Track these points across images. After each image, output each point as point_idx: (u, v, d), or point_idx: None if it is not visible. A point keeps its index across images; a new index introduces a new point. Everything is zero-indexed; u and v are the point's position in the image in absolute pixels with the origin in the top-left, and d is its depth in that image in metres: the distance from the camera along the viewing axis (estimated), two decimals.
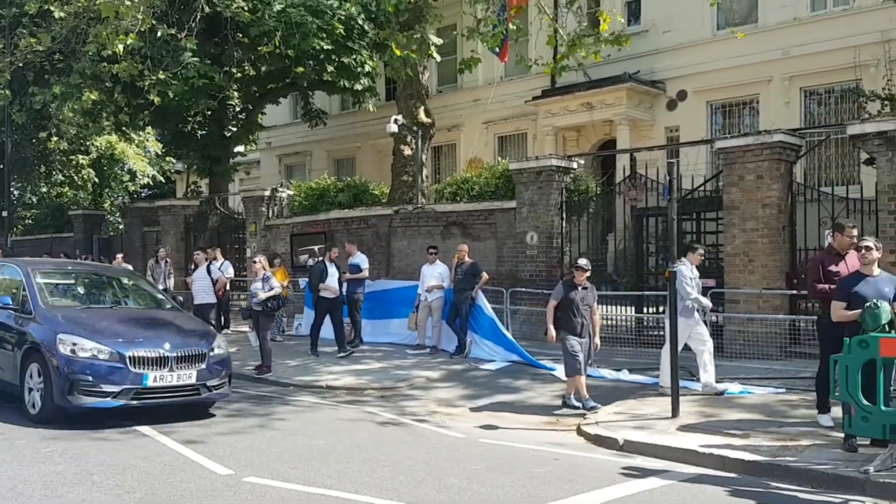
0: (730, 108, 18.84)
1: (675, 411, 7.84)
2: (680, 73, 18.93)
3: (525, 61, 12.46)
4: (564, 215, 14.04)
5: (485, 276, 12.29)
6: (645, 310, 12.95)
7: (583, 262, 9.04)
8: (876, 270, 6.65)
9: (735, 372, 9.92)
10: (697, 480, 6.02)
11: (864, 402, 5.91)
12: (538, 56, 12.67)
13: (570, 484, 5.83)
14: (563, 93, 19.92)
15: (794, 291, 10.93)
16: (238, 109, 22.99)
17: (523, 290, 13.41)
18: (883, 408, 5.90)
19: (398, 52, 10.94)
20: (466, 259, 12.46)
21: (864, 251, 6.66)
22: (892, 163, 9.98)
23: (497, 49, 13.28)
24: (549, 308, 8.90)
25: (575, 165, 14.33)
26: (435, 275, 12.78)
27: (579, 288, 8.82)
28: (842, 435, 6.46)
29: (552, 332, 8.72)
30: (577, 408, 8.60)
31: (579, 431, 7.71)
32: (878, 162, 10.22)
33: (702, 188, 12.79)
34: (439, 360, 12.04)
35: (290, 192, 18.98)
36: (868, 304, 6.26)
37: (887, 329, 6.19)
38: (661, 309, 12.18)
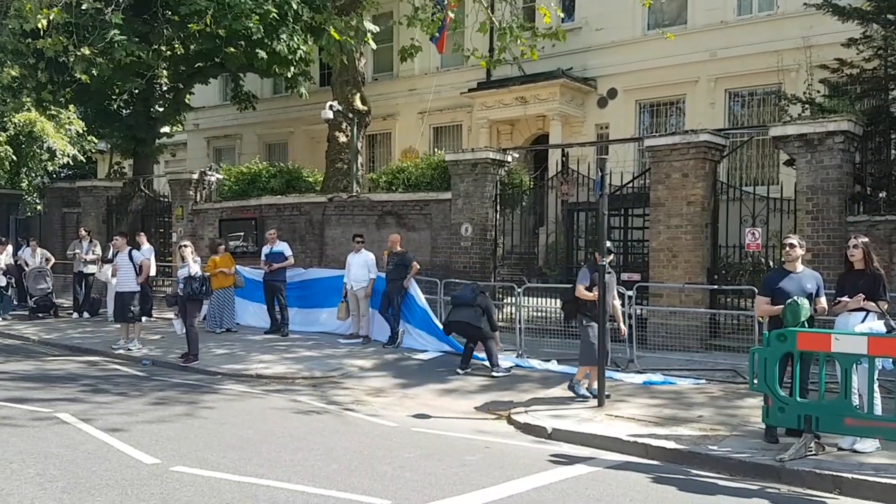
0: (658, 108, 19.32)
1: (601, 400, 8.06)
2: (611, 71, 19.29)
3: (462, 51, 12.51)
4: (498, 208, 14.20)
5: (416, 265, 12.32)
6: None
7: (609, 243, 8.63)
8: (799, 267, 6.96)
9: (657, 363, 10.26)
10: (622, 467, 6.22)
11: (781, 393, 6.21)
12: (475, 48, 12.71)
13: (500, 471, 5.93)
14: (498, 86, 20.05)
15: (715, 286, 11.37)
16: (165, 89, 22.28)
17: (457, 280, 13.47)
18: (798, 399, 6.21)
19: (337, 37, 10.82)
20: (398, 248, 12.46)
21: (787, 248, 6.96)
22: (811, 164, 10.48)
23: (436, 36, 13.28)
24: (582, 292, 8.51)
25: (509, 159, 14.49)
26: (362, 264, 12.73)
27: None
28: (762, 425, 6.75)
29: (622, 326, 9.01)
30: (586, 397, 8.43)
31: (509, 420, 7.84)
32: (797, 163, 10.71)
33: (630, 185, 13.13)
34: (371, 350, 12.02)
35: (220, 176, 18.53)
36: (790, 300, 6.55)
37: (806, 325, 6.52)
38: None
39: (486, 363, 10.19)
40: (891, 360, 6.11)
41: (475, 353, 10.38)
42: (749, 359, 6.39)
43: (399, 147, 22.95)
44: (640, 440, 6.75)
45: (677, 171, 11.65)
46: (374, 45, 12.62)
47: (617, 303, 9.08)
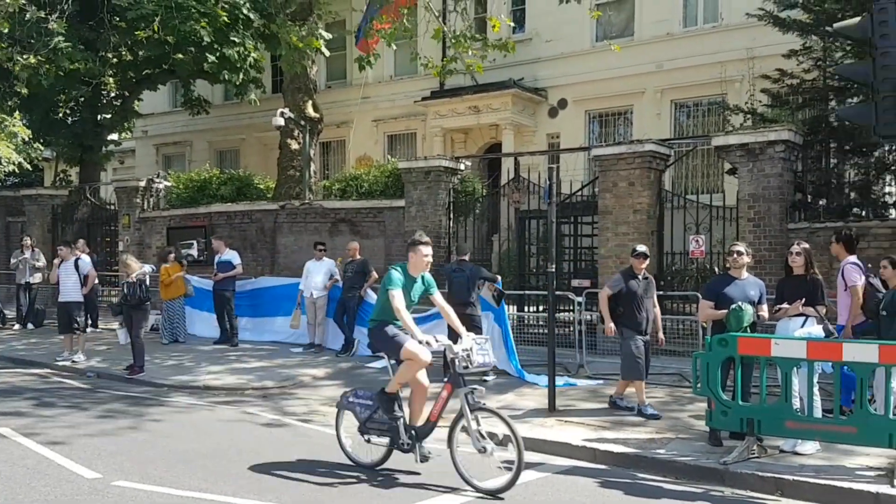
0: (607, 118, 19.66)
1: (551, 405, 8.13)
2: (561, 81, 19.57)
3: (418, 60, 12.57)
4: (452, 215, 14.26)
5: (374, 274, 12.28)
6: (526, 308, 13.35)
7: (642, 247, 8.24)
8: (744, 274, 7.13)
9: (607, 368, 10.39)
10: (570, 472, 6.29)
11: (724, 397, 6.35)
12: (429, 58, 12.80)
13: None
14: (451, 95, 20.17)
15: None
16: (113, 95, 21.82)
17: None
18: (741, 403, 6.36)
19: (299, 45, 10.77)
20: (357, 257, 12.41)
21: (735, 256, 7.14)
22: (752, 173, 10.77)
23: (358, 36, 13.36)
24: (603, 299, 8.04)
25: (462, 167, 14.58)
26: (324, 271, 12.66)
27: (640, 278, 8.02)
28: (707, 429, 6.89)
29: (611, 325, 7.96)
30: (631, 409, 8.01)
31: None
32: (739, 172, 10.99)
33: (579, 193, 13.33)
34: (325, 359, 11.93)
35: (168, 184, 18.22)
36: (733, 306, 6.72)
37: (749, 330, 6.68)
38: (541, 308, 12.61)
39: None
40: (829, 363, 6.29)
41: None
42: (692, 363, 6.51)
43: (353, 154, 22.89)
44: (588, 444, 6.84)
45: (624, 180, 11.86)
46: (327, 53, 12.61)
47: (657, 310, 8.43)
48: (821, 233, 10.47)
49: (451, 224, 14.27)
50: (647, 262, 8.15)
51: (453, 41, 11.56)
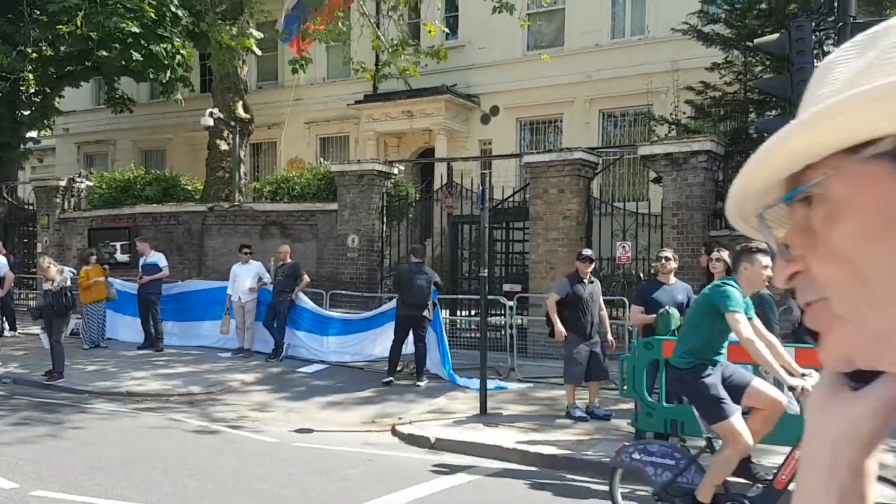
0: (538, 125, 19.99)
1: (483, 409, 8.23)
2: (493, 89, 19.81)
3: (351, 64, 12.53)
4: (385, 219, 14.25)
5: (306, 278, 12.14)
6: (459, 312, 13.46)
7: (588, 251, 8.28)
8: (672, 279, 7.38)
9: (537, 371, 10.58)
10: (502, 475, 6.38)
11: (649, 399, 6.55)
12: (362, 62, 12.78)
13: (382, 484, 5.95)
14: (385, 99, 20.15)
15: None
16: (33, 91, 20.96)
17: (343, 292, 13.44)
18: (665, 404, 6.58)
19: (230, 44, 10.58)
20: (288, 260, 12.25)
21: (663, 261, 7.38)
22: (676, 182, 11.15)
23: (288, 38, 13.25)
24: (551, 304, 7.98)
25: (396, 171, 14.60)
26: (251, 275, 12.45)
27: (585, 282, 8.02)
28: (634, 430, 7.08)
29: (561, 329, 7.85)
30: (584, 419, 7.91)
31: (394, 432, 7.87)
32: (664, 181, 11.36)
33: (511, 199, 13.53)
34: (254, 364, 11.73)
35: (90, 183, 17.60)
36: (662, 310, 6.94)
37: (677, 333, 6.91)
38: (473, 312, 12.73)
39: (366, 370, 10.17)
40: (750, 366, 6.55)
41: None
42: (619, 366, 6.70)
43: (285, 157, 22.59)
44: (519, 447, 6.95)
45: (554, 187, 12.11)
46: (258, 52, 12.45)
47: (604, 313, 8.46)
48: (740, 240, 10.81)
49: (385, 228, 14.26)
50: (593, 265, 8.21)
51: (391, 50, 11.60)
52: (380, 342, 11.16)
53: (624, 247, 11.83)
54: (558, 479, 6.26)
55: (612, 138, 18.82)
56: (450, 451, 7.13)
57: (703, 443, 6.65)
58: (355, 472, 6.32)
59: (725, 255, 7.20)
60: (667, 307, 6.94)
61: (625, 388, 6.63)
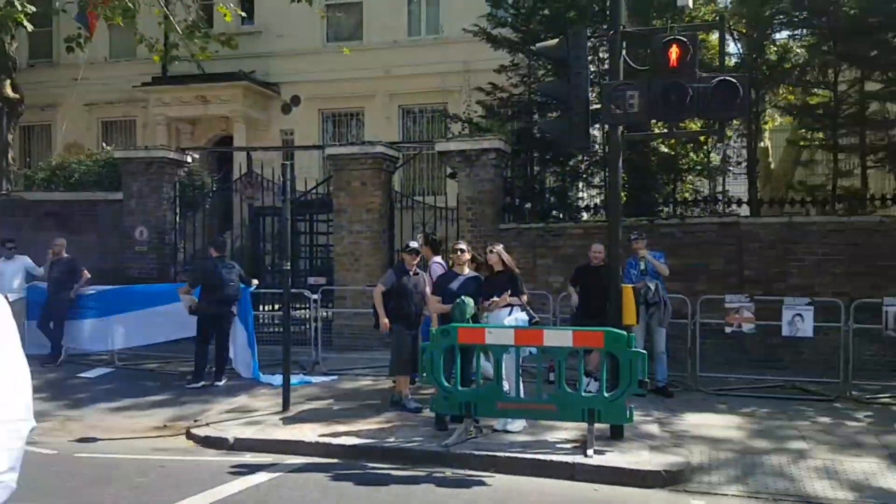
0: (340, 118, 19.94)
1: (285, 405, 8.13)
2: (293, 78, 19.46)
3: (144, 42, 11.70)
4: (178, 210, 13.56)
5: (86, 274, 11.21)
6: (261, 307, 13.10)
7: (414, 243, 8.30)
8: (466, 270, 7.74)
9: (343, 364, 10.63)
10: (304, 469, 6.37)
11: (446, 383, 6.86)
12: (155, 40, 11.98)
13: (176, 489, 5.71)
14: (177, 83, 19.08)
15: None
16: None
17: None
18: (460, 388, 6.92)
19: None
20: (64, 255, 11.24)
21: (458, 253, 7.71)
22: (470, 177, 11.68)
23: (81, 15, 12.27)
24: (377, 295, 8.01)
25: (189, 159, 13.94)
26: (18, 272, 11.29)
27: (411, 273, 8.07)
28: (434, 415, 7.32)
29: (385, 321, 7.90)
30: (418, 409, 7.88)
31: (188, 435, 7.55)
32: (459, 176, 11.85)
33: (314, 191, 13.43)
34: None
35: None
36: (458, 300, 7.27)
37: (471, 321, 7.27)
38: (276, 306, 12.48)
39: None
40: (535, 347, 7.06)
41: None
42: (419, 354, 6.95)
43: (62, 141, 20.64)
44: (321, 440, 6.97)
45: (357, 180, 12.21)
46: (29, 27, 11.29)
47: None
48: (527, 233, 11.67)
49: (178, 220, 13.56)
50: (419, 257, 8.30)
51: (185, 34, 11.01)
52: (171, 325, 10.37)
53: (417, 238, 12.17)
54: (360, 469, 6.37)
55: (412, 134, 19.23)
56: (250, 451, 6.98)
57: (493, 422, 7.15)
58: (145, 479, 6.01)
59: (498, 248, 7.68)
60: (462, 297, 7.28)
61: (424, 374, 6.89)
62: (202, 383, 9.55)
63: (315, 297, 10.80)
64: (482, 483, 5.99)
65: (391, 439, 6.96)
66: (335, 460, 6.66)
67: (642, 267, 9.00)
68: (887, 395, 8.74)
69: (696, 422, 7.71)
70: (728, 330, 9.25)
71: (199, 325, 9.70)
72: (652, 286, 8.93)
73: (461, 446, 6.64)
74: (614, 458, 6.32)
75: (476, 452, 6.49)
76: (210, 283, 9.59)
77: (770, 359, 10.50)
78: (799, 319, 8.78)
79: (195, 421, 7.94)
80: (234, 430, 7.43)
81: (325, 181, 13.43)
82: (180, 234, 13.63)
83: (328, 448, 6.85)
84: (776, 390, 9.13)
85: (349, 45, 14.56)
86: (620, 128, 7.20)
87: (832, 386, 8.91)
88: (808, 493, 5.69)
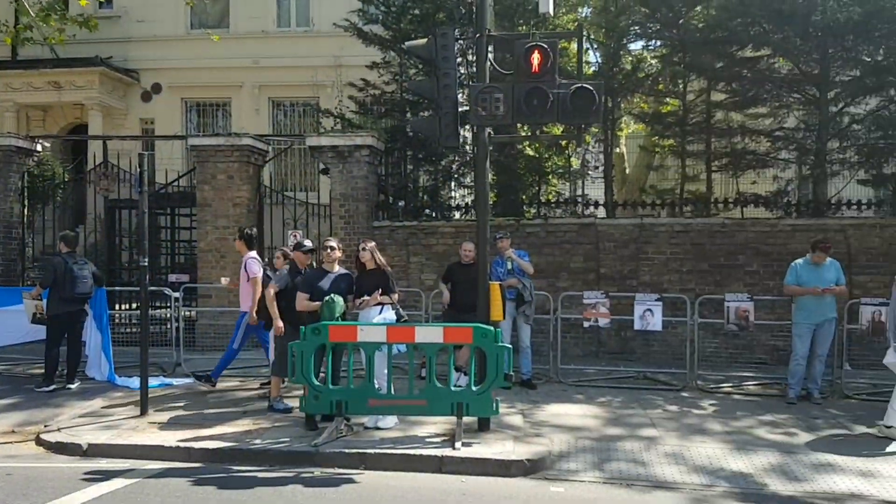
0: (205, 108, 19.26)
1: (143, 409, 7.78)
2: (155, 65, 18.60)
3: None
4: (27, 202, 12.67)
5: None
6: (117, 306, 12.42)
7: (308, 243, 8.00)
8: (336, 267, 7.66)
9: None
10: (164, 475, 6.12)
11: (316, 382, 6.80)
12: (4, 20, 11.11)
13: (24, 499, 5.36)
14: (26, 67, 17.81)
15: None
16: None
17: None
18: (331, 386, 6.88)
19: None
20: None
21: (328, 250, 7.62)
22: (343, 174, 11.62)
23: None
24: (270, 296, 7.61)
25: (40, 147, 13.05)
26: None
27: (331, 274, 7.57)
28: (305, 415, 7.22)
29: (280, 324, 7.53)
30: (288, 410, 7.75)
31: (38, 441, 7.08)
32: (331, 172, 11.76)
33: (176, 183, 12.91)
34: None
35: None
36: (327, 298, 7.20)
37: (341, 319, 7.23)
38: (134, 305, 11.90)
39: None
40: (404, 345, 7.13)
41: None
42: (288, 352, 6.84)
43: None
44: (182, 444, 6.72)
45: (223, 173, 11.85)
46: None
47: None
48: (400, 230, 11.77)
49: (26, 212, 12.65)
50: (313, 256, 8.11)
51: (40, 17, 10.26)
52: (21, 326, 9.70)
53: (295, 235, 12.00)
54: (224, 472, 6.19)
55: (283, 127, 18.88)
56: (106, 457, 6.64)
57: (364, 419, 7.17)
58: None
59: (371, 245, 7.69)
60: (332, 295, 7.23)
61: (293, 373, 6.79)
62: (53, 387, 9.00)
63: (176, 295, 10.38)
64: (350, 481, 5.99)
65: (258, 441, 6.81)
66: (198, 464, 6.44)
67: (509, 266, 9.29)
68: (729, 384, 9.50)
69: (556, 412, 8.08)
70: (586, 324, 9.73)
71: (50, 326, 9.12)
72: (527, 283, 9.26)
73: (331, 445, 6.61)
74: (481, 449, 6.51)
75: (346, 450, 6.48)
76: (60, 281, 9.00)
77: (624, 351, 11.18)
78: (649, 314, 9.36)
79: (45, 426, 7.46)
80: (87, 436, 7.03)
81: (188, 173, 12.94)
82: (28, 228, 12.71)
83: (190, 452, 6.62)
84: (629, 381, 9.72)
85: (216, 34, 14.04)
86: (488, 129, 7.40)
87: (680, 376, 9.58)
88: (660, 478, 6.09)
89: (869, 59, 11.85)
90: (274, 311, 7.64)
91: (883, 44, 11.64)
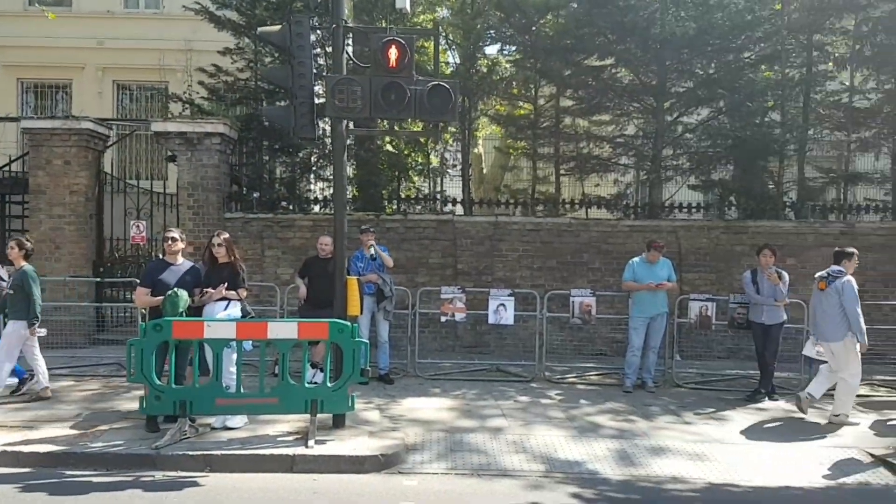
0: (44, 89, 17.95)
1: None
2: None
3: None
4: None
5: None
6: None
7: (175, 232, 7.38)
8: (180, 259, 7.28)
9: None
10: None
11: (158, 382, 6.45)
12: None
13: None
14: None
15: (99, 279, 11.14)
16: None
17: None
18: (174, 386, 6.55)
19: None
20: None
21: (169, 242, 7.23)
22: (191, 162, 11.14)
23: None
24: (139, 295, 7.16)
25: None
26: None
27: (174, 266, 7.20)
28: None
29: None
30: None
31: None
32: (179, 160, 11.24)
33: (7, 169, 11.91)
34: None
35: None
36: (169, 292, 6.84)
37: (185, 314, 6.89)
38: None
39: None
40: (251, 341, 6.91)
41: None
42: (126, 351, 6.45)
43: None
44: (9, 448, 6.19)
45: (59, 158, 11.06)
46: None
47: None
48: (254, 223, 11.45)
49: None
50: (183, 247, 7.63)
51: None
52: None
53: (139, 226, 11.39)
54: (56, 477, 5.78)
55: (129, 111, 17.85)
56: None
57: (211, 419, 6.91)
58: None
59: (225, 237, 7.40)
60: (175, 289, 6.89)
61: (132, 373, 6.42)
62: None
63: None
64: (195, 484, 5.76)
65: (95, 444, 6.39)
66: (27, 469, 5.96)
67: (371, 253, 9.22)
68: (573, 375, 9.99)
69: (412, 406, 8.17)
70: (443, 319, 9.91)
71: None
72: (387, 279, 9.27)
73: (174, 447, 6.31)
74: (335, 446, 6.45)
75: (190, 452, 6.21)
76: None
77: (479, 345, 11.48)
78: (503, 309, 9.66)
79: None
80: None
81: (19, 158, 11.93)
82: None
83: (18, 457, 6.11)
84: (483, 373, 9.99)
85: (57, 12, 13.01)
86: (345, 122, 7.33)
87: (530, 368, 9.97)
88: (506, 467, 6.30)
89: (701, 72, 12.83)
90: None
91: (714, 58, 12.66)
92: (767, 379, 9.03)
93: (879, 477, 6.32)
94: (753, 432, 7.57)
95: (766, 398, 8.90)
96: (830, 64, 13.02)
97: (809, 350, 8.33)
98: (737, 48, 12.57)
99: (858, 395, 8.95)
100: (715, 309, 9.55)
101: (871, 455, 6.79)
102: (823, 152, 14.19)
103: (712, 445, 7.04)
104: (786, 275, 9.03)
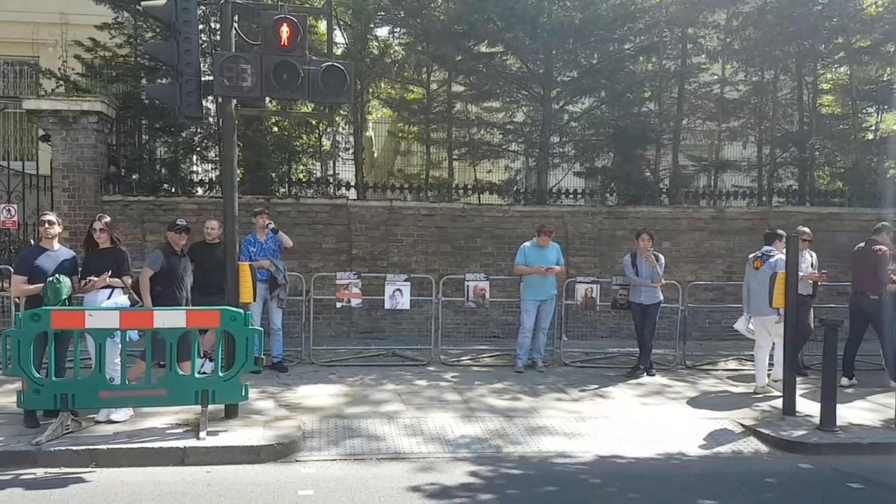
0: None
1: None
2: None
3: None
4: None
5: None
6: None
7: (182, 221, 7.81)
8: (56, 245, 6.87)
9: None
10: None
11: (37, 374, 6.09)
12: None
13: None
14: None
15: None
16: None
17: None
18: (55, 379, 6.20)
19: None
20: None
21: (46, 226, 6.80)
22: (66, 142, 10.50)
23: None
24: (145, 279, 7.41)
25: None
26: None
27: (179, 254, 7.68)
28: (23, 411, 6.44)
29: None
30: None
31: None
32: (53, 140, 10.57)
33: None
34: None
35: None
36: (50, 279, 6.46)
37: (68, 303, 6.52)
38: None
39: None
40: (136, 331, 6.63)
41: None
42: (1, 342, 6.06)
43: None
44: None
45: None
46: None
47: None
48: (134, 206, 10.95)
49: None
50: (188, 236, 7.84)
51: None
52: None
53: (9, 210, 10.65)
54: None
55: None
56: None
57: (96, 413, 6.60)
58: None
59: (107, 221, 7.06)
60: (57, 275, 6.53)
61: (9, 366, 6.03)
62: None
63: None
64: (81, 480, 5.50)
65: None
66: None
67: (270, 229, 9.07)
68: (468, 357, 10.20)
69: (308, 393, 8.11)
70: (339, 305, 9.85)
71: None
72: (280, 266, 9.09)
73: (56, 442, 6.00)
74: (228, 437, 6.32)
75: (73, 448, 5.93)
76: None
77: (374, 330, 11.50)
78: (399, 294, 9.71)
79: None
80: None
81: None
82: None
83: None
84: (380, 358, 10.04)
85: None
86: (234, 101, 7.11)
87: (426, 352, 10.09)
88: (404, 450, 6.38)
89: (585, 62, 13.28)
90: (146, 295, 7.43)
91: (598, 48, 13.12)
92: (646, 356, 9.55)
93: (750, 445, 6.85)
94: (634, 406, 8.01)
95: (645, 374, 9.43)
96: (703, 56, 13.78)
97: (742, 326, 8.95)
98: (619, 39, 13.09)
99: (729, 369, 9.61)
100: (599, 291, 10.00)
101: (742, 425, 7.34)
102: (696, 141, 15.02)
103: (598, 421, 7.39)
104: (662, 257, 9.57)
